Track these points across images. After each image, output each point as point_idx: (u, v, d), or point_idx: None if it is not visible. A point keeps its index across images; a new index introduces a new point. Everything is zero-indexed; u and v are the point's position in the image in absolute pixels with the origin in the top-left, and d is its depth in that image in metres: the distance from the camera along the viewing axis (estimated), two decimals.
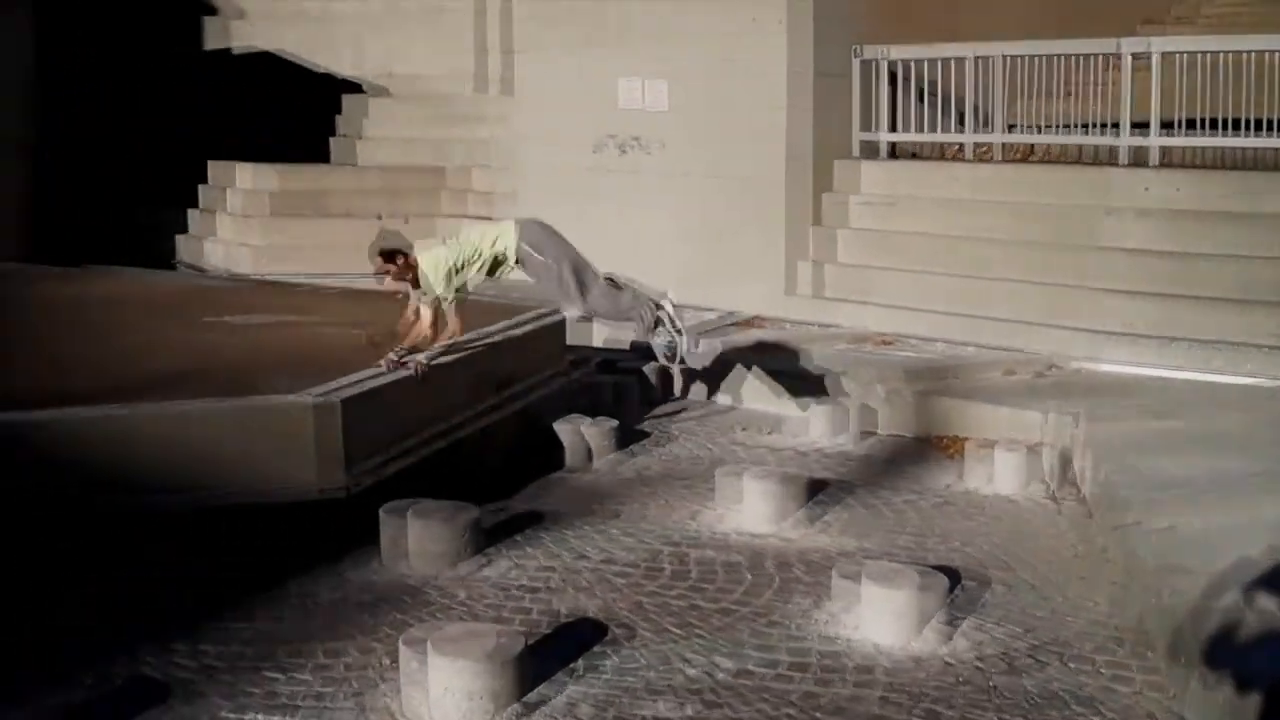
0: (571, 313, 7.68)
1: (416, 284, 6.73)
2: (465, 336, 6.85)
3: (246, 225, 13.65)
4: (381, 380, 5.97)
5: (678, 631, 4.96)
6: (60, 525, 5.24)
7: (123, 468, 5.20)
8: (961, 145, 10.51)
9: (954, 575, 5.38)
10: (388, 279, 6.80)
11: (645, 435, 7.94)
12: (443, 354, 6.54)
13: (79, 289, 9.04)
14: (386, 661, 4.64)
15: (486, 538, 5.87)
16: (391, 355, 6.28)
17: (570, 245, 7.35)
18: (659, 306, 7.54)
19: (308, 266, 12.66)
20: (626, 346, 9.48)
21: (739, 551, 5.86)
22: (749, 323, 10.08)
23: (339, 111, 15.65)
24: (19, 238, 13.32)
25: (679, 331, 7.62)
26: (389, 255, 6.71)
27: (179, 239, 14.27)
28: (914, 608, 4.88)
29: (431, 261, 6.71)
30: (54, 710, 4.28)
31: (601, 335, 9.66)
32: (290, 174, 14.02)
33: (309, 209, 13.60)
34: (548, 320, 7.85)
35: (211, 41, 17.66)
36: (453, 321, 6.70)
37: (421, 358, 6.40)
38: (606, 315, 7.76)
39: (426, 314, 6.59)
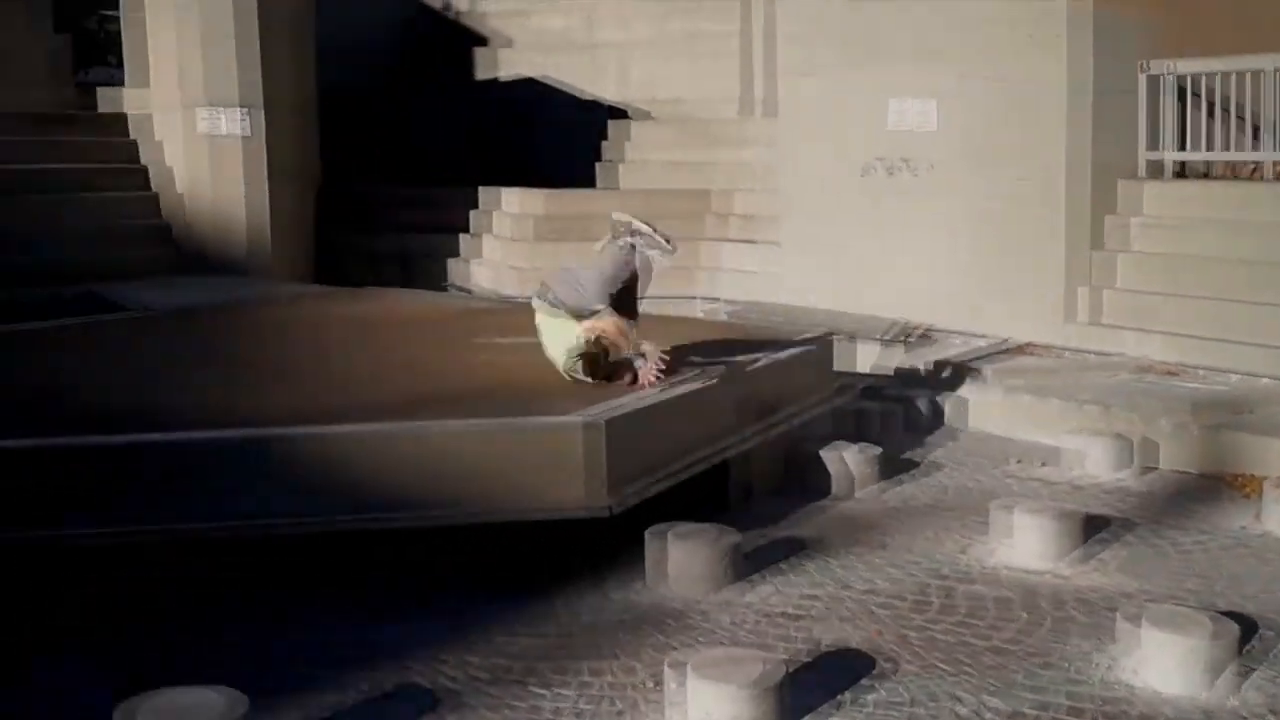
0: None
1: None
2: (735, 359, 6.81)
3: (513, 248, 13.97)
4: (646, 402, 5.95)
5: (946, 668, 4.76)
6: (331, 536, 5.41)
7: (396, 481, 5.33)
8: (1258, 164, 9.89)
9: (1248, 623, 5.00)
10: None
11: (913, 465, 7.71)
12: (706, 378, 6.48)
13: (362, 308, 9.41)
14: (649, 684, 4.61)
15: (749, 563, 5.79)
16: (648, 370, 6.25)
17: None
18: None
19: None
20: (891, 372, 9.29)
21: (1011, 588, 5.60)
22: (1021, 350, 9.71)
23: (604, 137, 15.90)
24: (307, 261, 14.09)
25: None
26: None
27: (449, 262, 14.72)
28: (1203, 656, 4.55)
29: None
30: (327, 711, 4.40)
31: (868, 361, 9.49)
32: (556, 199, 14.29)
33: (574, 233, 13.79)
34: (814, 346, 7.73)
35: (482, 71, 18.27)
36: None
37: (648, 346, 6.30)
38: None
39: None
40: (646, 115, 16.39)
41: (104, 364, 7.22)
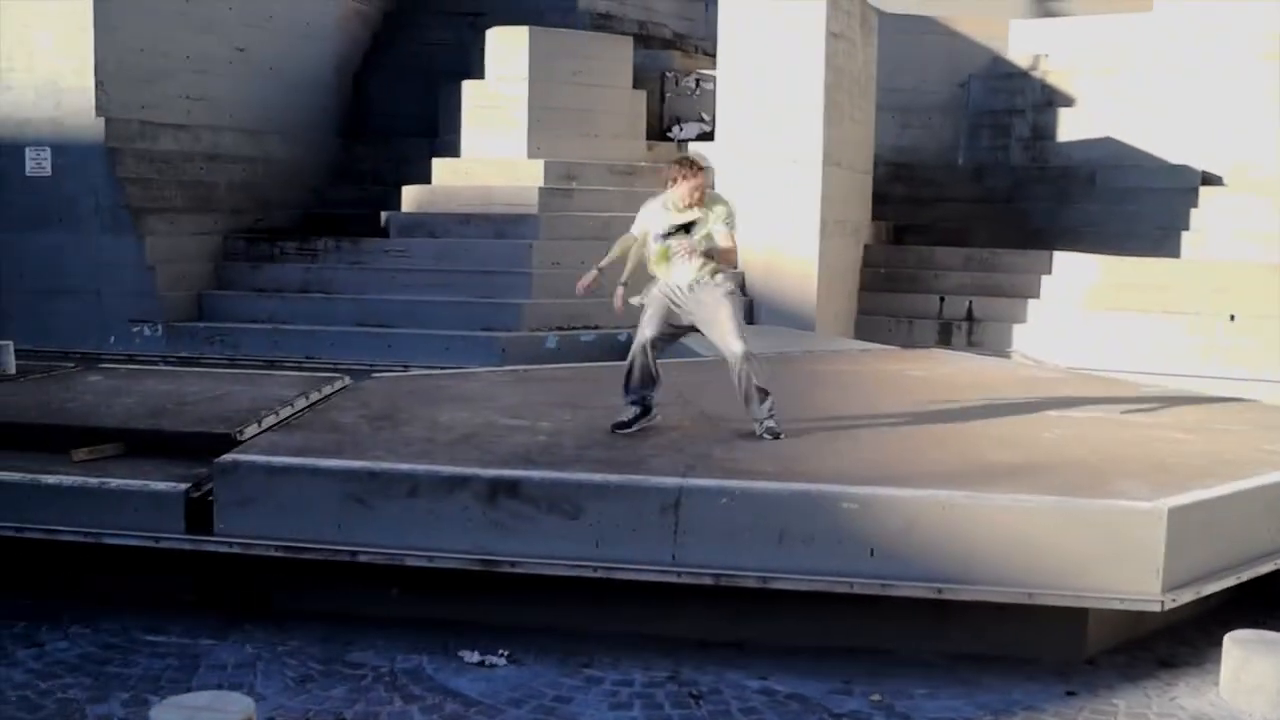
0: None
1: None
2: None
3: (1084, 318, 13.47)
4: (1216, 492, 5.52)
5: None
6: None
7: (961, 550, 5.25)
8: None
9: None
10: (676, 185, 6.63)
11: None
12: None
13: (926, 370, 9.38)
14: None
15: None
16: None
17: None
18: None
19: (1145, 364, 12.26)
20: None
21: None
22: None
23: (1193, 205, 15.11)
24: (850, 317, 14.35)
25: None
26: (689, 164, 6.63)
27: (1017, 328, 14.42)
28: None
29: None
30: None
31: None
32: (1133, 266, 13.67)
33: (1152, 303, 13.13)
34: None
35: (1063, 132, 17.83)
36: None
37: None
38: None
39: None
40: (1234, 183, 15.40)
41: (680, 405, 7.62)
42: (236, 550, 5.71)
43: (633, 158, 15.12)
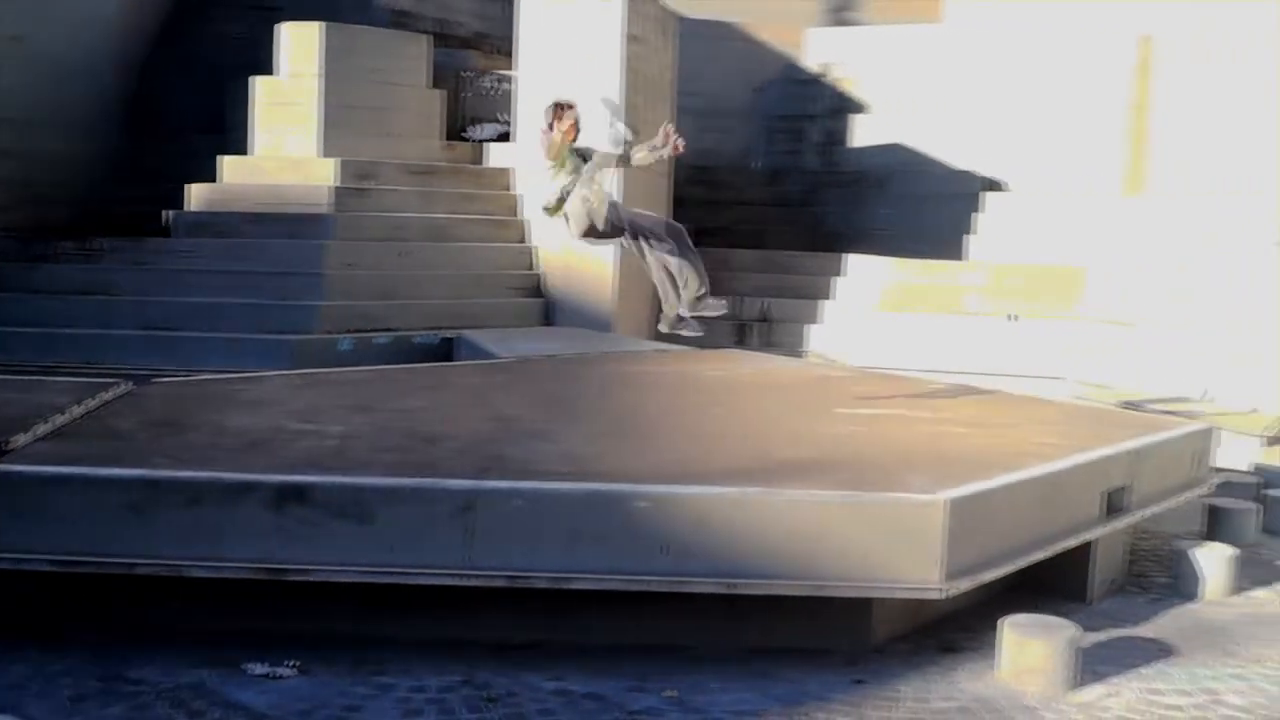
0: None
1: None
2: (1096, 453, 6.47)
3: (875, 318, 13.87)
4: (997, 482, 5.73)
5: None
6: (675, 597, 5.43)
7: (750, 546, 5.32)
8: None
9: None
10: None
11: (1271, 569, 7.14)
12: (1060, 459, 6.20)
13: (722, 370, 9.50)
14: None
15: (1107, 663, 5.48)
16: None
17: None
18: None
19: (932, 362, 12.69)
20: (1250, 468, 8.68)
21: None
22: None
23: (978, 209, 15.68)
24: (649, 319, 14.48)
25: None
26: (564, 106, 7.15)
27: (811, 329, 14.74)
28: None
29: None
30: None
31: (1223, 454, 8.85)
32: (922, 268, 14.14)
33: (939, 303, 13.62)
34: (1179, 434, 7.24)
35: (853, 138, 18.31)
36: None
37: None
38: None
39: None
40: (1019, 188, 16.07)
41: (475, 407, 7.55)
42: (6, 566, 5.42)
43: (429, 157, 14.96)
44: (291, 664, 5.32)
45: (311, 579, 5.36)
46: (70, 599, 5.66)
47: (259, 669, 5.28)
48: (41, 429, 6.41)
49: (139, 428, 6.66)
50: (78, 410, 6.95)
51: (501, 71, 16.24)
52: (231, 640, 5.48)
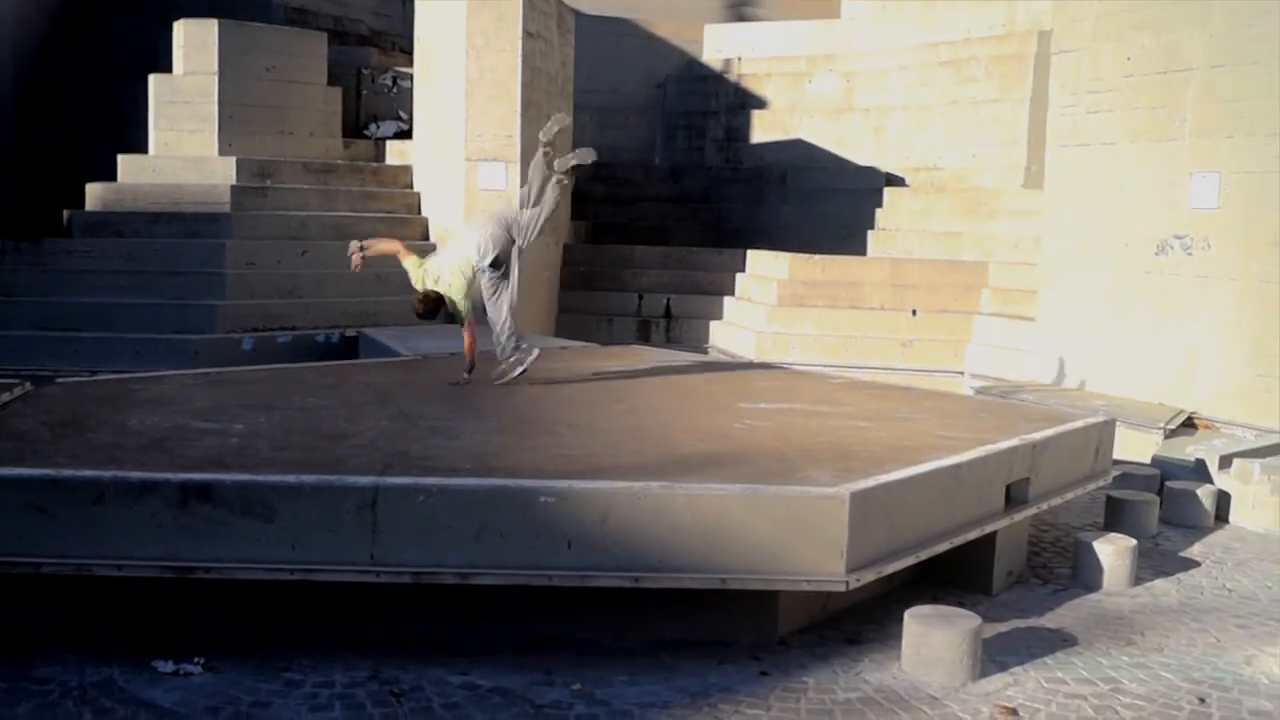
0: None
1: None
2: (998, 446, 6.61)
3: (776, 314, 13.99)
4: (897, 476, 5.82)
5: None
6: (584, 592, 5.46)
7: (655, 541, 5.35)
8: None
9: None
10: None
11: (1194, 564, 7.34)
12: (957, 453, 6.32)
13: (624, 366, 9.54)
14: None
15: (1010, 654, 5.60)
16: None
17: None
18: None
19: (834, 357, 12.85)
20: (1147, 460, 8.90)
21: None
22: None
23: (879, 205, 15.87)
24: (550, 317, 14.50)
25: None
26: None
27: (713, 325, 14.84)
28: None
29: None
30: None
31: (1125, 447, 9.09)
32: (822, 264, 14.28)
33: (840, 299, 13.78)
34: (1080, 426, 7.43)
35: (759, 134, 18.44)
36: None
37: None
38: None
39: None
40: (923, 184, 16.29)
41: (378, 404, 7.50)
42: None
43: (329, 155, 14.83)
44: (199, 661, 5.27)
45: (216, 577, 5.30)
46: None
47: (166, 666, 5.22)
48: None
49: (40, 428, 6.53)
50: None
51: (400, 69, 16.13)
52: (139, 638, 5.42)
